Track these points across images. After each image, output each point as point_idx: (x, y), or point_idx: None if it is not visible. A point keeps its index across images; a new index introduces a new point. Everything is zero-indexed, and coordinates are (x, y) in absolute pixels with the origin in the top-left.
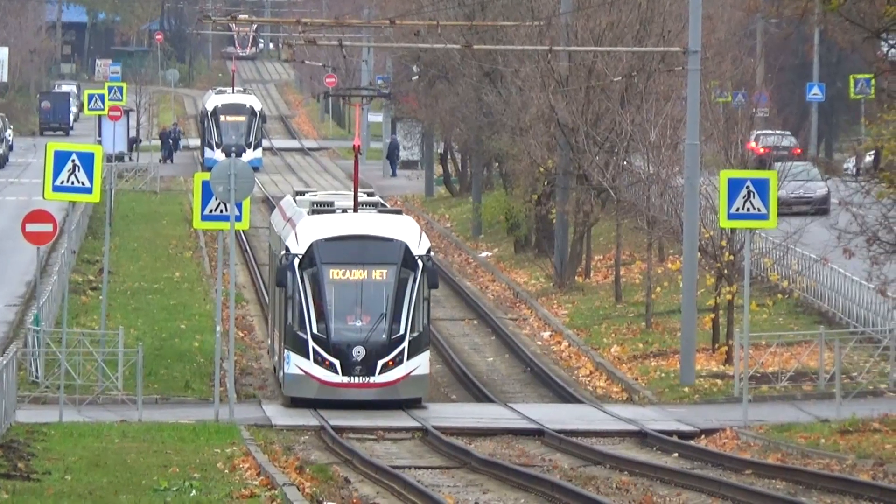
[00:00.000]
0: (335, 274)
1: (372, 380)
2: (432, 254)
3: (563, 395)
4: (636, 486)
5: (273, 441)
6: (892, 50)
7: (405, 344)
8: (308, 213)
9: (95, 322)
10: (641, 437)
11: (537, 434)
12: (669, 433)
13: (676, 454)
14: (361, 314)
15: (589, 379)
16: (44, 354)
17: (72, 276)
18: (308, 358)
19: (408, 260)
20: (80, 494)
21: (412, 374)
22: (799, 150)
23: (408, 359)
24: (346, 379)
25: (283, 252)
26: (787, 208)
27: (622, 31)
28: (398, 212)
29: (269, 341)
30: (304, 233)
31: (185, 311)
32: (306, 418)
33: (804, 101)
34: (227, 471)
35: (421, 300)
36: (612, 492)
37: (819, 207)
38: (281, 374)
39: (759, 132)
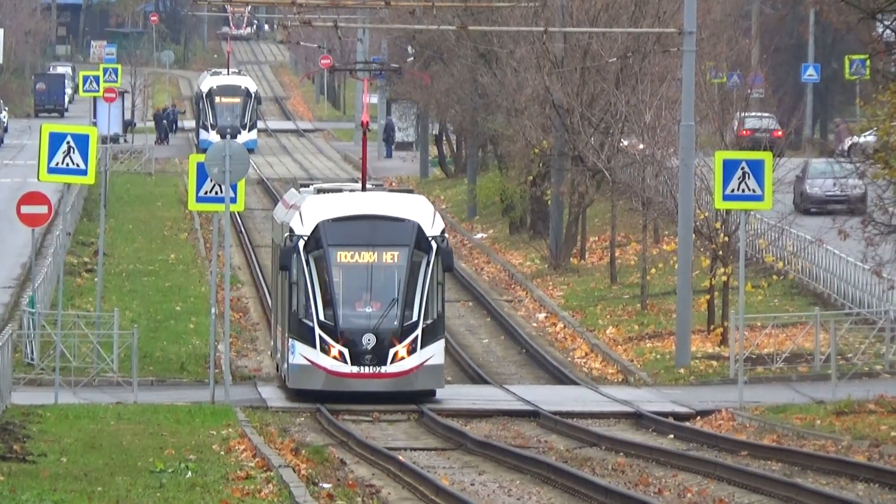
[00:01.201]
0: (343, 256)
1: (383, 370)
2: (446, 235)
3: (559, 377)
4: (632, 468)
5: (269, 423)
6: (888, 31)
7: (419, 331)
8: (313, 194)
9: (91, 304)
10: (637, 418)
11: (533, 415)
12: (665, 414)
13: (672, 435)
14: (371, 300)
15: (584, 360)
16: (39, 336)
17: (67, 259)
18: (314, 347)
19: (421, 241)
20: (75, 476)
21: (426, 363)
22: (780, 133)
23: (422, 347)
24: (355, 369)
25: (287, 234)
26: (821, 207)
27: (617, 12)
28: (409, 191)
29: (272, 341)
30: (309, 213)
31: (181, 292)
32: (302, 400)
33: (799, 83)
34: (222, 452)
35: (435, 284)
36: (607, 473)
37: (855, 207)
38: (285, 365)
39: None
